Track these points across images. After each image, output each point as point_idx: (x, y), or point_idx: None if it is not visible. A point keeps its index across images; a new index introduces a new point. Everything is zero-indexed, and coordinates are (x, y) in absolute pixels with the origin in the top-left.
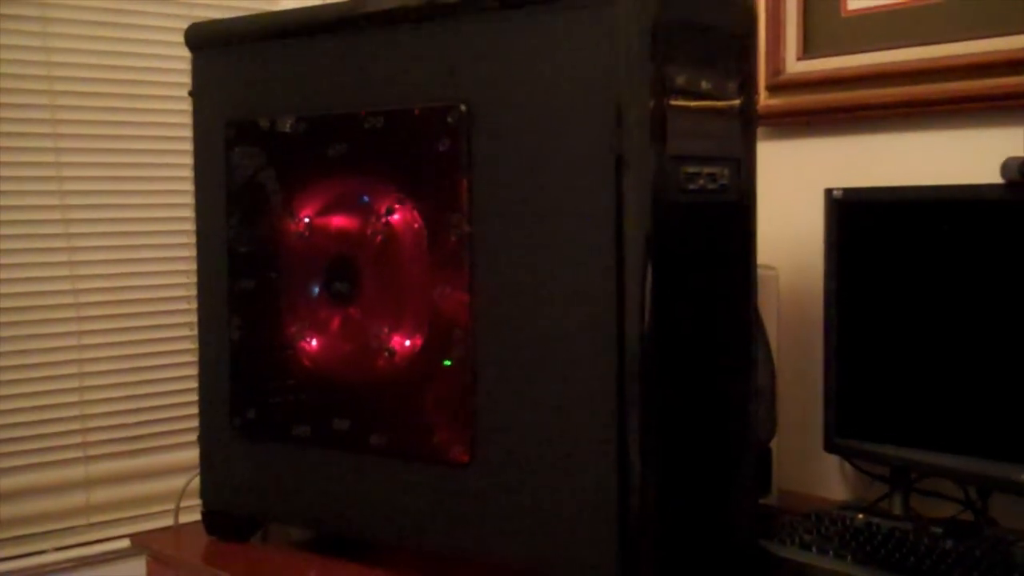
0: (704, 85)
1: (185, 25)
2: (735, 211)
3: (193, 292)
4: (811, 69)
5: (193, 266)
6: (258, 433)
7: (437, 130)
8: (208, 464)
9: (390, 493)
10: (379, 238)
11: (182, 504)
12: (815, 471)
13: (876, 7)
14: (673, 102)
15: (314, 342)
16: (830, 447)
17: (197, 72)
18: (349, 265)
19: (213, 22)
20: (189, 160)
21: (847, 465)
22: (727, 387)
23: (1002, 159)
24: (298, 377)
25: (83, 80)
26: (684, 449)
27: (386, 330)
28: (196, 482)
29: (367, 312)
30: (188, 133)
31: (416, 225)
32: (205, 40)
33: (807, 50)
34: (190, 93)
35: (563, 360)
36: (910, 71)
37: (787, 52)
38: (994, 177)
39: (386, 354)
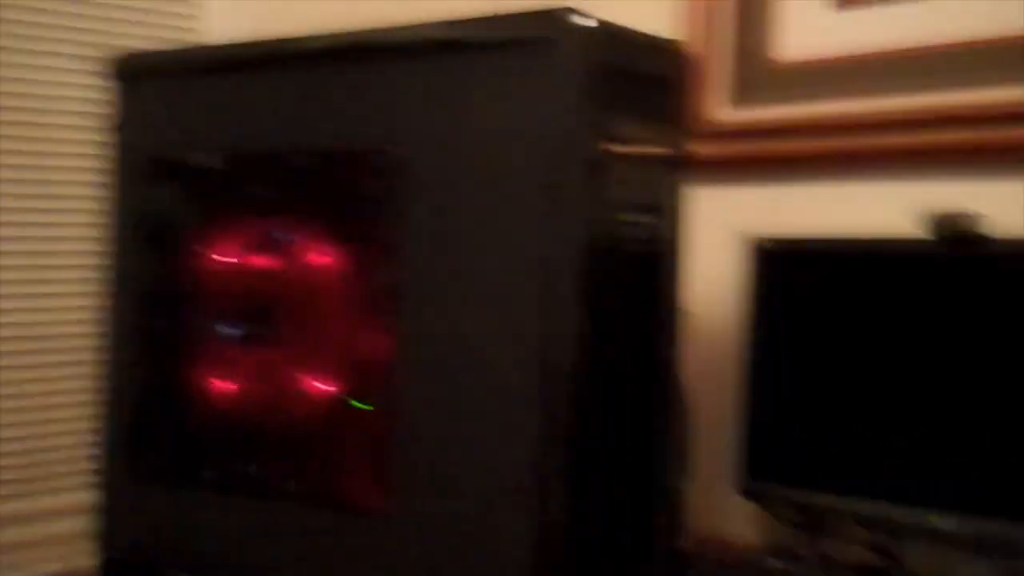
0: (639, 132)
1: (91, 53)
2: (662, 260)
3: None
4: (739, 119)
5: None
6: (161, 477)
7: (366, 173)
8: (105, 508)
9: (302, 542)
10: (299, 280)
11: (75, 549)
12: (726, 515)
13: (809, 60)
14: (610, 148)
15: (226, 384)
16: (742, 491)
17: (121, 103)
18: (267, 306)
19: (142, 53)
20: (89, 193)
21: (759, 509)
22: (650, 431)
23: (928, 213)
24: (207, 420)
25: None
26: (606, 498)
27: (302, 373)
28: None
29: (284, 355)
30: (89, 164)
31: (339, 268)
32: (133, 71)
33: (737, 99)
34: (111, 125)
35: (487, 407)
36: (841, 124)
37: (715, 100)
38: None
39: (302, 398)
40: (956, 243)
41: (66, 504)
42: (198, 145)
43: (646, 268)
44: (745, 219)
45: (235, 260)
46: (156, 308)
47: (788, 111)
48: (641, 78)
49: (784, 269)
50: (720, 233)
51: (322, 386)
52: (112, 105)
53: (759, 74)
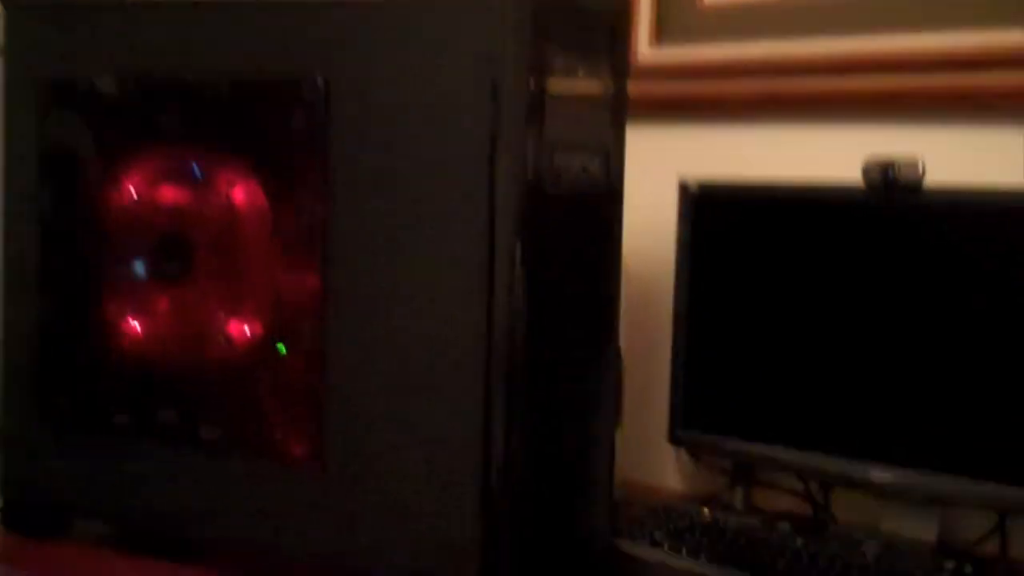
0: (579, 71)
1: None
2: (603, 203)
3: None
4: (663, 59)
5: None
6: (70, 421)
7: (291, 103)
8: (8, 453)
9: (221, 491)
10: (217, 216)
11: None
12: (655, 462)
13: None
14: (551, 86)
15: (137, 325)
16: (673, 439)
17: (9, 25)
18: (181, 243)
19: None
20: None
21: (687, 457)
22: (590, 379)
23: (864, 158)
24: (118, 362)
25: None
26: (547, 445)
27: (222, 315)
28: None
29: (201, 295)
30: None
31: (260, 203)
32: None
33: (660, 39)
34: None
35: (425, 353)
36: (765, 66)
37: (639, 39)
38: (854, 175)
39: (222, 340)
40: (889, 190)
41: None
42: (98, 70)
43: (588, 212)
44: (676, 162)
45: (144, 193)
46: (58, 244)
47: (712, 51)
48: (583, 14)
49: (713, 214)
50: (654, 177)
51: (244, 328)
52: (4, 29)
53: (682, 13)
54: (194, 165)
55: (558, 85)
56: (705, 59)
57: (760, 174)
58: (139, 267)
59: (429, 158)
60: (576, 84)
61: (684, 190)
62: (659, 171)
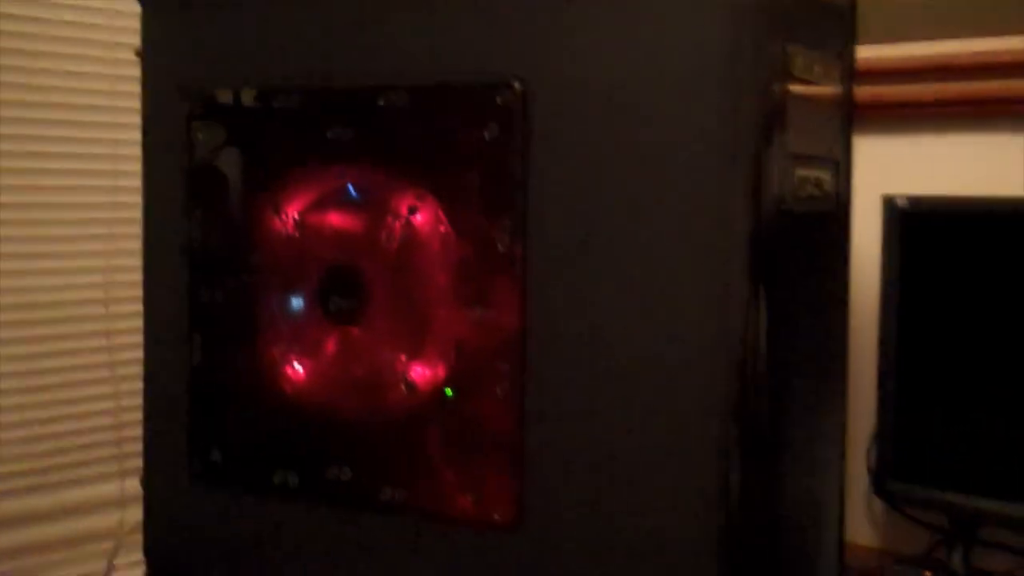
0: (817, 69)
1: None
2: (833, 222)
3: (112, 295)
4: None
5: (112, 263)
6: (226, 479)
7: (482, 113)
8: (153, 517)
9: (408, 561)
10: (395, 244)
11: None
12: (860, 517)
13: None
14: (793, 88)
15: (301, 369)
16: (880, 491)
17: (150, 25)
18: (352, 276)
19: None
20: (111, 135)
21: (885, 509)
22: (821, 422)
23: None
24: (280, 412)
25: None
26: (781, 504)
27: (403, 357)
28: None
29: (375, 334)
30: (105, 102)
31: (444, 229)
32: None
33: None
34: (137, 53)
35: (643, 399)
36: (966, 65)
37: None
38: None
39: (403, 387)
40: None
41: (94, 498)
42: (255, 78)
43: (820, 232)
44: (872, 175)
45: (308, 219)
46: (209, 277)
47: (916, 49)
48: (818, 5)
49: (926, 234)
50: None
51: (429, 372)
52: (142, 31)
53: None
54: (365, 186)
55: (798, 87)
56: (907, 58)
57: (972, 188)
58: (303, 303)
59: (649, 175)
60: (814, 86)
61: (891, 206)
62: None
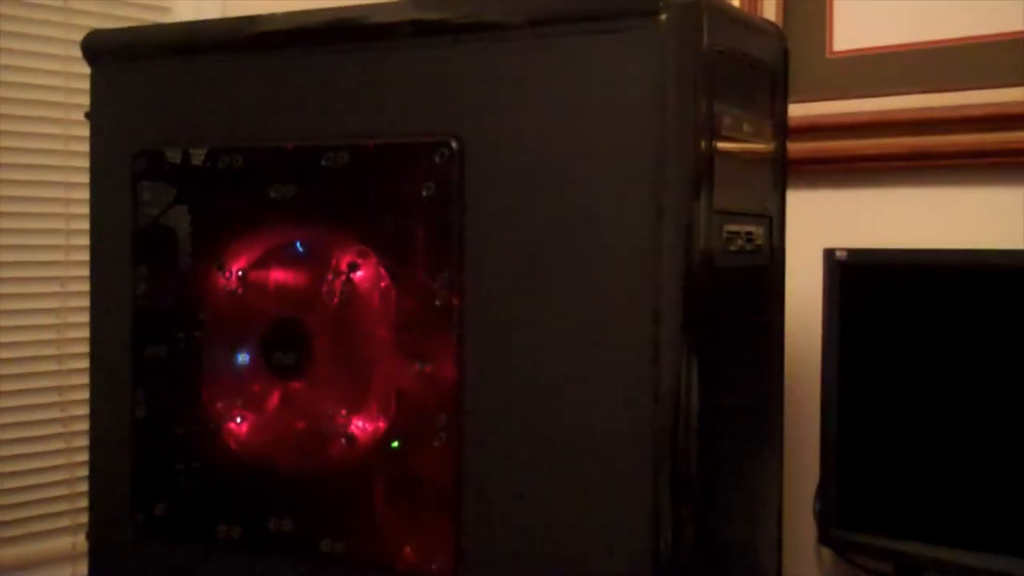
0: (746, 127)
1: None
2: (765, 276)
3: (65, 351)
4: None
5: (64, 320)
6: (169, 532)
7: (420, 171)
8: (101, 568)
9: None
10: (335, 299)
11: None
12: (796, 563)
13: (865, 49)
14: (720, 146)
15: (244, 423)
16: (825, 539)
17: (98, 89)
18: (295, 331)
19: (122, 30)
20: (63, 194)
21: (832, 558)
22: (756, 472)
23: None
24: (224, 465)
25: None
26: (719, 552)
27: (344, 411)
28: None
29: (317, 389)
30: (59, 162)
31: (383, 284)
32: (110, 51)
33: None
34: (87, 115)
35: (581, 451)
36: (905, 121)
37: None
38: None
39: (343, 441)
40: None
41: (47, 552)
42: (199, 138)
43: (753, 287)
44: (810, 228)
45: (251, 275)
46: (153, 331)
47: (848, 107)
48: (746, 63)
49: (864, 285)
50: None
51: (368, 426)
52: (92, 93)
53: (809, 65)
54: (308, 243)
55: (727, 144)
56: (839, 114)
57: (909, 240)
58: (247, 358)
59: (581, 231)
60: (743, 142)
61: (830, 258)
62: (797, 237)
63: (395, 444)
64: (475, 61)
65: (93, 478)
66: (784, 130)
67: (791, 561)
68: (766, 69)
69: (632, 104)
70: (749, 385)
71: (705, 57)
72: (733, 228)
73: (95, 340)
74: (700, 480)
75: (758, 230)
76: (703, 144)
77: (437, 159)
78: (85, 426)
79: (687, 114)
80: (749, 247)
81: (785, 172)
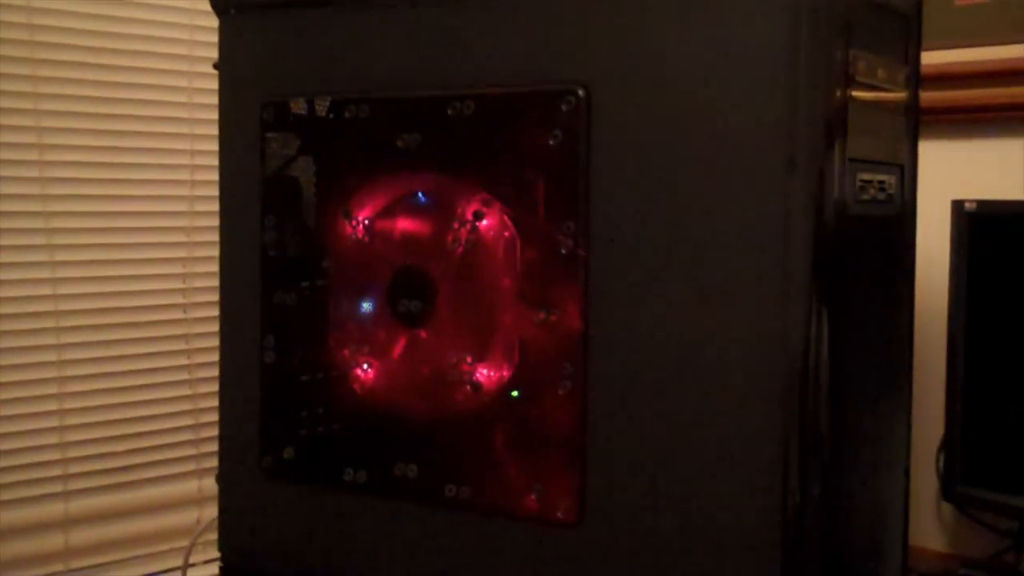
0: (880, 73)
1: None
2: (897, 226)
3: (191, 300)
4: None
5: (190, 270)
6: (297, 476)
7: (546, 120)
8: (229, 510)
9: (468, 557)
10: (460, 248)
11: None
12: (927, 521)
13: None
14: (855, 93)
15: (370, 369)
16: (949, 496)
17: (226, 40)
18: (420, 279)
19: None
20: (188, 146)
21: (952, 514)
22: (884, 425)
23: None
24: (350, 411)
25: (66, 47)
26: (845, 500)
27: (469, 359)
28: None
29: (442, 336)
30: (184, 114)
31: (507, 233)
32: (237, 1)
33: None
34: (215, 65)
35: (703, 402)
36: None
37: None
38: None
39: (469, 388)
40: None
41: (172, 496)
42: (325, 88)
43: (884, 237)
44: (938, 178)
45: (378, 224)
46: (281, 280)
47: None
48: (880, 8)
49: (994, 237)
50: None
51: (493, 374)
52: (220, 44)
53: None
54: (433, 192)
55: (861, 92)
56: (967, 62)
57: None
58: (372, 306)
59: (709, 180)
60: (877, 91)
61: (959, 209)
62: (925, 188)
63: (514, 393)
64: (603, 8)
65: (223, 422)
66: (917, 77)
67: (911, 517)
68: (900, 14)
69: (764, 49)
70: (878, 338)
71: (839, 3)
72: (866, 177)
73: (224, 288)
74: (829, 434)
75: (890, 179)
76: (837, 90)
77: (564, 107)
78: (210, 373)
79: (822, 58)
80: (881, 197)
81: (917, 120)
